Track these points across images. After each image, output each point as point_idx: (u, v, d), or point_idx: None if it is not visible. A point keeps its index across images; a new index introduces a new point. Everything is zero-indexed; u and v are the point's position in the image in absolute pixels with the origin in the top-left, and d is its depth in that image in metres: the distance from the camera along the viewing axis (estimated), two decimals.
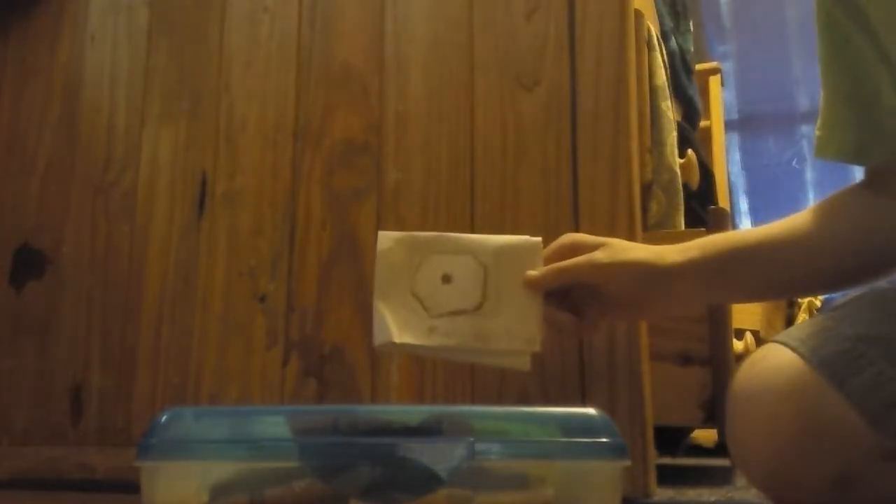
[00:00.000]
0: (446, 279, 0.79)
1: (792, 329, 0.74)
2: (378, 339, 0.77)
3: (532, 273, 0.78)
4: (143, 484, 0.54)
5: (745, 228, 0.85)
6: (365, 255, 1.07)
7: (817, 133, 0.82)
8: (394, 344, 0.77)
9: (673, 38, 1.58)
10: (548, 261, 0.80)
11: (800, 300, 2.38)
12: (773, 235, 0.78)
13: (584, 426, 0.57)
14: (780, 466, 0.66)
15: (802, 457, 0.64)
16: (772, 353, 0.71)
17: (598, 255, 0.77)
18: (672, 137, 1.20)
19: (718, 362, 1.06)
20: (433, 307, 0.78)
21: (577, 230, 0.96)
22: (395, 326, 0.77)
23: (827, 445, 0.63)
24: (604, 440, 0.56)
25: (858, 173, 0.83)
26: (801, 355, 0.66)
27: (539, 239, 0.80)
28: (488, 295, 0.78)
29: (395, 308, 0.78)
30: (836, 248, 0.77)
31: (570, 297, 0.81)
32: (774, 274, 0.79)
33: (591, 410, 0.58)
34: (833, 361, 0.64)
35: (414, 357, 1.02)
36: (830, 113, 0.80)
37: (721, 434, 1.07)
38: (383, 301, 0.78)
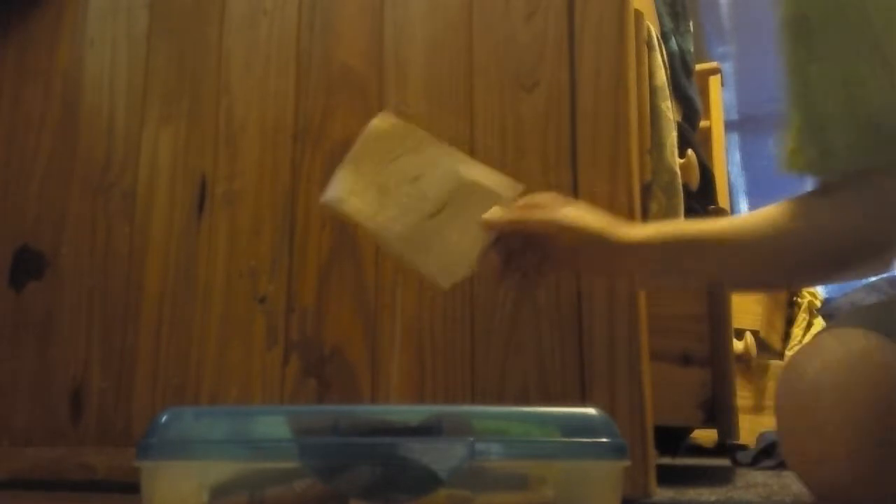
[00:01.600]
0: (416, 178, 0.81)
1: (844, 318, 0.76)
2: (327, 194, 0.80)
3: (492, 214, 0.81)
4: (143, 484, 0.54)
5: (705, 221, 0.88)
6: (365, 256, 1.07)
7: (782, 149, 0.84)
8: (339, 206, 0.79)
9: (673, 38, 1.58)
10: (510, 210, 0.83)
11: (799, 300, 2.38)
12: (728, 231, 0.81)
13: (584, 426, 0.57)
14: (867, 452, 0.65)
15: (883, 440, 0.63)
16: (839, 342, 0.71)
17: (556, 214, 0.81)
18: (672, 138, 1.20)
19: (718, 362, 1.06)
20: (391, 195, 0.80)
21: None
22: (348, 193, 0.79)
23: None
24: (604, 440, 0.56)
25: None
26: (872, 331, 0.67)
27: (520, 189, 0.83)
28: (445, 210, 0.80)
29: (358, 178, 0.80)
30: (790, 248, 0.79)
31: (519, 252, 0.84)
32: (721, 268, 0.82)
33: (591, 410, 0.58)
34: None
35: (414, 357, 1.02)
36: (793, 133, 0.83)
37: (721, 434, 1.08)
38: (351, 165, 0.80)
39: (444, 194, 0.81)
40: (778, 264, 0.80)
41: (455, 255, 0.79)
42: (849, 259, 0.80)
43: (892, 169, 0.77)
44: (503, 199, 0.82)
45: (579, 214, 0.82)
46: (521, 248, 0.84)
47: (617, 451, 0.56)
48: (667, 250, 0.81)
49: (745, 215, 0.84)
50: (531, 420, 0.59)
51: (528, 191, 1.00)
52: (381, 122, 0.82)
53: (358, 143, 0.82)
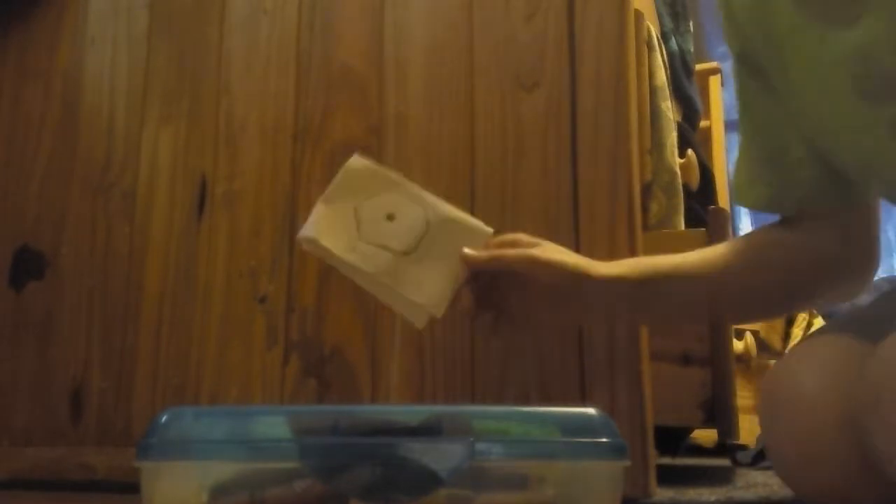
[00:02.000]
0: (390, 217, 0.82)
1: (827, 325, 0.77)
2: (304, 232, 0.81)
3: (469, 250, 0.81)
4: (143, 484, 0.55)
5: (677, 254, 0.88)
6: None
7: (735, 181, 0.86)
8: (315, 242, 0.80)
9: (673, 38, 1.58)
10: (486, 248, 0.83)
11: None
12: (695, 267, 0.82)
13: (584, 426, 0.57)
14: (854, 458, 0.65)
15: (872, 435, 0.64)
16: (817, 342, 0.72)
17: (534, 251, 0.81)
18: (672, 138, 1.20)
19: (718, 362, 1.06)
20: (367, 232, 0.81)
21: (577, 231, 0.97)
22: (325, 229, 0.80)
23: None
24: (604, 440, 0.56)
25: None
26: (855, 335, 0.68)
27: (490, 230, 0.84)
28: (419, 248, 0.81)
29: (333, 215, 0.82)
30: (757, 280, 0.81)
31: (493, 291, 0.84)
32: (692, 304, 0.84)
33: (591, 410, 0.58)
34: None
35: (414, 357, 1.02)
36: (746, 167, 0.86)
37: (721, 434, 1.08)
38: (326, 204, 0.82)
39: (419, 233, 0.81)
40: (757, 296, 0.82)
41: (428, 294, 0.79)
42: (820, 285, 0.83)
43: (849, 205, 0.78)
44: (478, 236, 0.83)
45: (557, 251, 0.82)
46: (494, 287, 0.83)
47: (617, 451, 0.56)
48: (644, 284, 0.81)
49: (714, 248, 0.85)
50: (531, 420, 0.59)
51: (528, 192, 1.01)
52: (355, 162, 0.84)
53: (333, 182, 0.83)
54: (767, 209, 0.84)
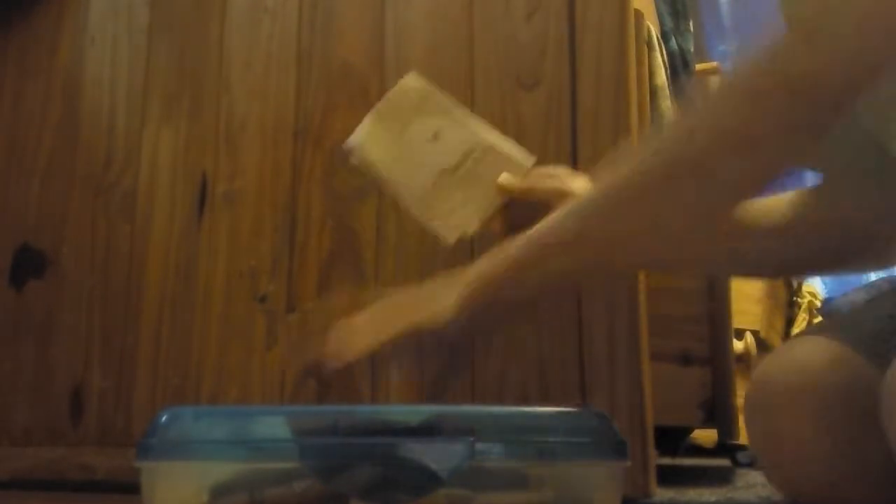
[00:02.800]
0: (436, 137, 0.84)
1: (812, 326, 0.76)
2: (352, 140, 0.83)
3: (506, 178, 0.82)
4: (143, 484, 0.54)
5: None
6: (365, 255, 1.06)
7: None
8: (360, 153, 0.83)
9: (673, 38, 1.58)
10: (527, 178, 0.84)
11: (799, 300, 2.38)
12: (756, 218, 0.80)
13: (584, 426, 0.57)
14: (824, 453, 0.65)
15: (849, 442, 0.63)
16: (800, 344, 0.71)
17: (570, 184, 0.81)
18: None
19: (718, 362, 1.06)
20: (411, 150, 0.83)
21: None
22: (371, 141, 0.83)
23: (867, 418, 0.61)
24: (604, 440, 0.56)
25: None
26: (836, 338, 0.67)
27: (533, 160, 0.85)
28: (459, 171, 0.83)
29: (381, 129, 0.83)
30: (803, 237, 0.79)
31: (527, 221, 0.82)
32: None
33: (590, 410, 0.58)
34: (868, 340, 0.65)
35: (414, 357, 1.01)
36: None
37: (721, 434, 1.08)
38: (376, 118, 0.84)
39: (461, 155, 0.84)
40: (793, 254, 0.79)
41: (463, 213, 0.82)
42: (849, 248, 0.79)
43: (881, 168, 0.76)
44: (518, 166, 0.85)
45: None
46: (526, 219, 0.83)
47: (617, 451, 0.56)
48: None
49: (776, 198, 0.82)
50: (531, 420, 0.59)
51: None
52: (410, 80, 0.86)
53: (385, 98, 0.86)
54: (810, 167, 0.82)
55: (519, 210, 0.83)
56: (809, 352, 0.70)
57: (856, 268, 0.86)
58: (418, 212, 0.85)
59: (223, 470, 0.55)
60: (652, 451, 0.92)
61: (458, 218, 0.82)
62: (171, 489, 0.55)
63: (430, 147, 0.83)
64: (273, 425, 0.57)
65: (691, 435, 1.66)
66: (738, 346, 1.83)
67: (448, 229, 0.84)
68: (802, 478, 0.68)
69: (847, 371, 0.67)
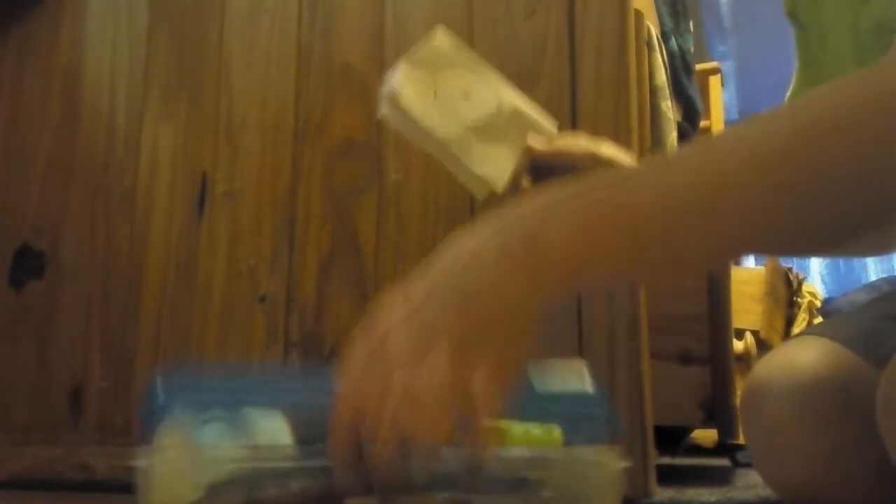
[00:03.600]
0: (466, 96, 0.84)
1: (811, 326, 0.76)
2: (389, 86, 0.81)
3: (534, 140, 0.82)
4: (141, 483, 0.54)
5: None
6: (365, 253, 1.06)
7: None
8: (396, 100, 0.81)
9: (673, 38, 1.58)
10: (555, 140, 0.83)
11: (799, 300, 2.38)
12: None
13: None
14: (821, 454, 0.65)
15: (846, 442, 0.63)
16: (798, 344, 0.71)
17: (595, 148, 0.80)
18: (672, 137, 1.20)
19: (718, 362, 1.06)
20: (442, 102, 0.83)
21: None
22: (408, 88, 0.81)
23: (864, 418, 0.61)
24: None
25: None
26: (835, 339, 0.67)
27: (556, 125, 0.85)
28: (488, 129, 0.83)
29: (415, 79, 0.82)
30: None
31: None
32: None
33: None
34: (868, 340, 0.65)
35: None
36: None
37: (721, 434, 1.08)
38: (410, 66, 0.82)
39: (489, 114, 0.84)
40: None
41: (491, 169, 0.83)
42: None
43: None
44: (542, 131, 0.85)
45: (618, 150, 0.81)
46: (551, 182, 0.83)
47: (616, 451, 0.56)
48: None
49: None
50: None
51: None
52: (440, 40, 0.86)
53: (416, 48, 0.86)
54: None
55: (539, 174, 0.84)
56: (808, 352, 0.70)
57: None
58: (449, 163, 0.85)
59: (220, 469, 0.55)
60: (652, 450, 0.92)
61: (488, 172, 0.83)
62: (169, 488, 0.55)
63: (461, 104, 0.84)
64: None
65: (691, 435, 1.66)
66: (738, 345, 1.83)
67: (478, 186, 0.84)
68: (799, 478, 0.68)
69: (845, 372, 0.67)
